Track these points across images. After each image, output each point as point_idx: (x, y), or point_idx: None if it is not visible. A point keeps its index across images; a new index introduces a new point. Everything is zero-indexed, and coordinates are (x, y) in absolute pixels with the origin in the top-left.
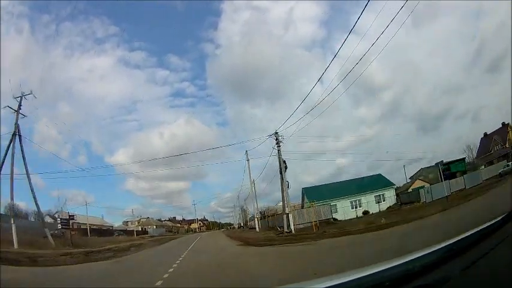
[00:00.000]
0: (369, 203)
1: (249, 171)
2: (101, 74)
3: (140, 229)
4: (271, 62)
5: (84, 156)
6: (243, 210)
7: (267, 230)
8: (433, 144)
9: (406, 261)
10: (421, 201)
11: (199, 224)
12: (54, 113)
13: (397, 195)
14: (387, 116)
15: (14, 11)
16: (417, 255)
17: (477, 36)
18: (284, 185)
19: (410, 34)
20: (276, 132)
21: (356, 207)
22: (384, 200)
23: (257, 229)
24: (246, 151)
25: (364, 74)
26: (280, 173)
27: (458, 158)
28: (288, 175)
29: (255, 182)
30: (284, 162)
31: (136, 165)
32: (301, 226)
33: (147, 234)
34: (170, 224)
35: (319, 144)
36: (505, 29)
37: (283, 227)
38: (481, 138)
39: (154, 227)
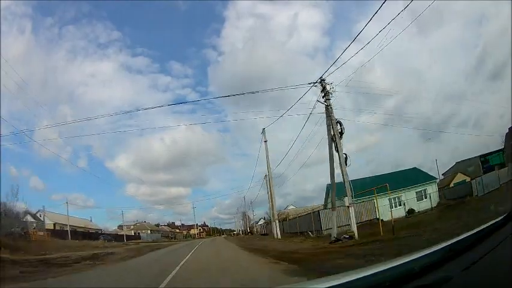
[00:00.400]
0: (409, 200)
1: (267, 154)
2: (103, 78)
3: (133, 234)
4: (273, 70)
5: (84, 159)
6: (246, 216)
7: (290, 236)
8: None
9: (406, 261)
10: (474, 194)
11: (199, 229)
12: (56, 116)
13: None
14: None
15: (17, 11)
16: (417, 255)
17: (480, 43)
18: (341, 159)
19: (414, 41)
20: (322, 80)
21: (396, 206)
22: (425, 197)
23: (277, 235)
24: (264, 129)
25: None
26: (333, 139)
27: (496, 150)
28: (288, 185)
29: (250, 193)
30: (339, 123)
31: (137, 170)
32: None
33: (140, 239)
34: (168, 229)
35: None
36: (507, 36)
37: (313, 231)
38: (506, 134)
39: (149, 231)
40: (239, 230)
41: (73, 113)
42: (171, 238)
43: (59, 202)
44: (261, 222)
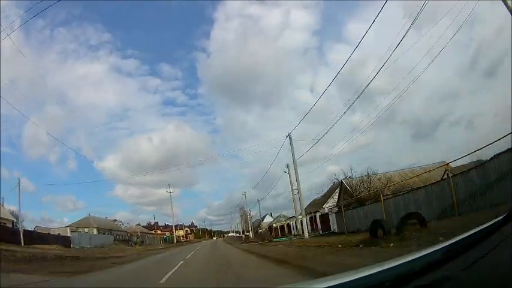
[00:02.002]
0: None
1: None
2: (93, 81)
3: (70, 233)
4: (263, 71)
5: (73, 160)
6: (244, 213)
7: None
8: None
9: (406, 261)
10: None
11: (186, 230)
12: (45, 118)
13: None
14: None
15: (10, 14)
16: (417, 255)
17: (475, 40)
18: None
19: (409, 39)
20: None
21: None
22: None
23: None
24: None
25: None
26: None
27: None
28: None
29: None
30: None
31: (126, 171)
32: None
33: (70, 244)
34: (137, 230)
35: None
36: (503, 33)
37: None
38: None
39: (95, 231)
40: (244, 231)
41: (62, 115)
42: (133, 244)
43: (48, 204)
44: (268, 219)
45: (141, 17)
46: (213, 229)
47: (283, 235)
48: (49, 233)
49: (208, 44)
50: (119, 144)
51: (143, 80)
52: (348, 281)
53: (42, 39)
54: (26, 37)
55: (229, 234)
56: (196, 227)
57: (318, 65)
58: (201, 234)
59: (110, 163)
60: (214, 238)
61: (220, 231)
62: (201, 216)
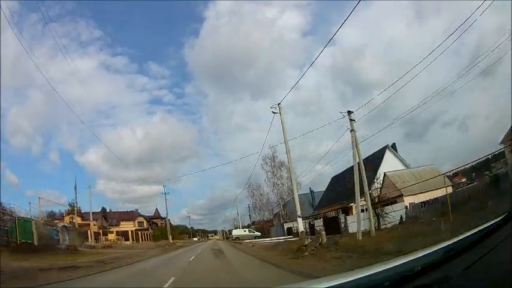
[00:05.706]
0: None
1: None
2: (82, 77)
3: None
4: (252, 75)
5: (55, 153)
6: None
7: None
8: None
9: (406, 261)
10: None
11: (139, 224)
12: (31, 111)
13: None
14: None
15: (6, 8)
16: (417, 255)
17: (473, 39)
18: None
19: (408, 35)
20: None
21: None
22: None
23: None
24: None
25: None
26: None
27: None
28: None
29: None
30: None
31: (108, 166)
32: None
33: None
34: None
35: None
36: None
37: None
38: None
39: None
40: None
41: (48, 110)
42: None
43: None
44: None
45: (131, 13)
46: (193, 227)
47: None
48: None
49: (197, 42)
50: (103, 140)
51: (131, 78)
52: (348, 281)
53: (35, 33)
54: (20, 29)
55: (235, 233)
56: (161, 218)
57: (306, 64)
58: (175, 235)
59: (90, 156)
60: (196, 239)
61: (204, 230)
62: (183, 214)
